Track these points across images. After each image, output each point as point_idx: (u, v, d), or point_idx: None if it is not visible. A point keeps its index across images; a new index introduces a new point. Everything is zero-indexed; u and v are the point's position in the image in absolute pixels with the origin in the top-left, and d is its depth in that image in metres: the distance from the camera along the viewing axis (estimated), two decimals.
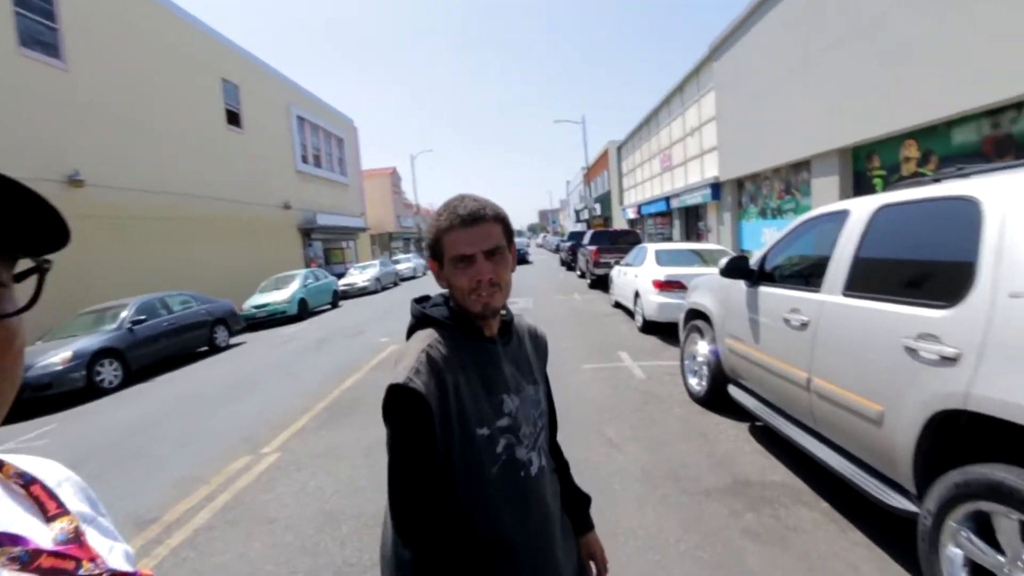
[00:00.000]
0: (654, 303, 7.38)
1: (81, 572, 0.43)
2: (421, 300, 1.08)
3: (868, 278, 2.57)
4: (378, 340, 9.29)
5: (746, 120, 13.32)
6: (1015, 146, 6.49)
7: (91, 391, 7.31)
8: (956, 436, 2.02)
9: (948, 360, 1.93)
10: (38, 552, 0.42)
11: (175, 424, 5.46)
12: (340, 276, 20.49)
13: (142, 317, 8.58)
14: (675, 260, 8.00)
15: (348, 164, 28.33)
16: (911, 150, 8.26)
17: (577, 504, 1.22)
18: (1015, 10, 5.87)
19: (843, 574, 2.29)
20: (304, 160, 22.95)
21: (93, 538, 0.52)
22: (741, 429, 3.99)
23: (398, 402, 0.88)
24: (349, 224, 26.45)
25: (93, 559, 0.45)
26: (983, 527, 1.83)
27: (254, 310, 13.41)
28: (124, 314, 8.42)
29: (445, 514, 0.90)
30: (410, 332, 1.04)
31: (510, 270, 0.99)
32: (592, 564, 1.22)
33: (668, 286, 7.27)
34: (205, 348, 10.23)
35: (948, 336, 1.95)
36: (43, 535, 0.45)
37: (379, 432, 4.25)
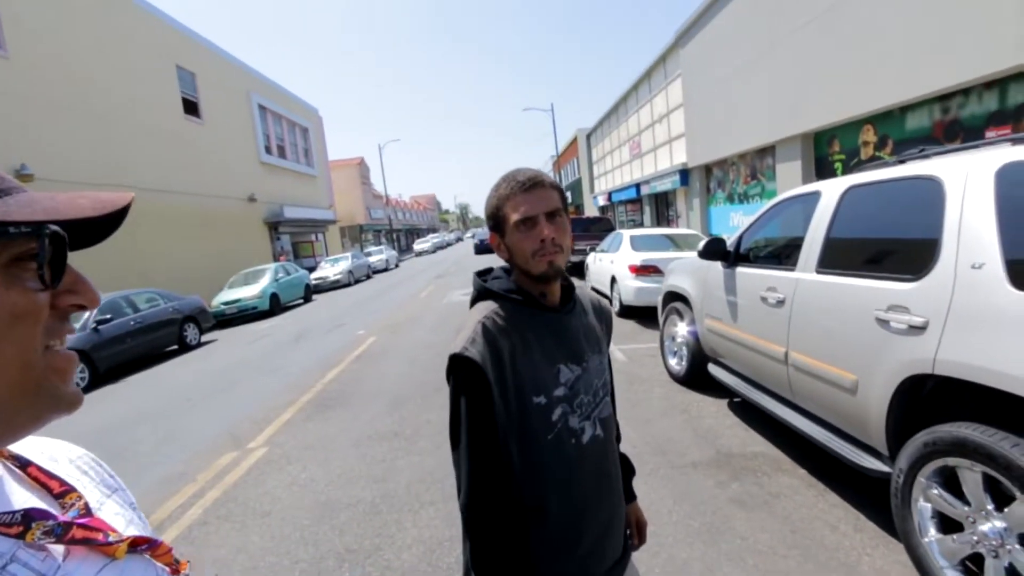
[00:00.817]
0: (631, 288, 7.54)
1: (111, 539, 0.45)
2: (483, 273, 1.11)
3: (840, 255, 2.72)
4: (356, 333, 9.20)
5: (712, 106, 13.60)
6: (963, 130, 6.87)
7: None
8: (923, 400, 2.18)
9: (916, 329, 2.08)
10: (69, 524, 0.43)
11: (153, 424, 5.32)
12: (311, 270, 20.09)
13: (107, 316, 8.26)
14: (650, 245, 8.18)
15: (314, 155, 27.61)
16: (869, 134, 8.63)
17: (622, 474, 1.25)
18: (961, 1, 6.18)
19: (824, 534, 2.46)
20: (268, 151, 22.25)
21: (110, 512, 0.53)
22: (721, 405, 4.17)
23: (457, 369, 0.94)
24: (318, 216, 25.86)
25: (113, 531, 0.47)
26: (950, 481, 2.00)
27: (223, 307, 13.05)
28: (87, 314, 8.08)
29: (499, 474, 0.94)
30: (472, 304, 1.08)
31: (569, 237, 1.02)
32: (634, 532, 1.26)
33: (644, 271, 7.43)
34: (175, 347, 9.93)
35: (916, 306, 2.10)
36: (59, 512, 0.46)
37: (368, 423, 4.28)
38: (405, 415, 4.61)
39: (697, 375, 4.47)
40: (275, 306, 13.94)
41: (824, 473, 2.96)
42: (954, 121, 7.01)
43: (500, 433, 0.94)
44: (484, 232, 35.22)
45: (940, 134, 7.24)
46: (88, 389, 7.45)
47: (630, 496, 1.26)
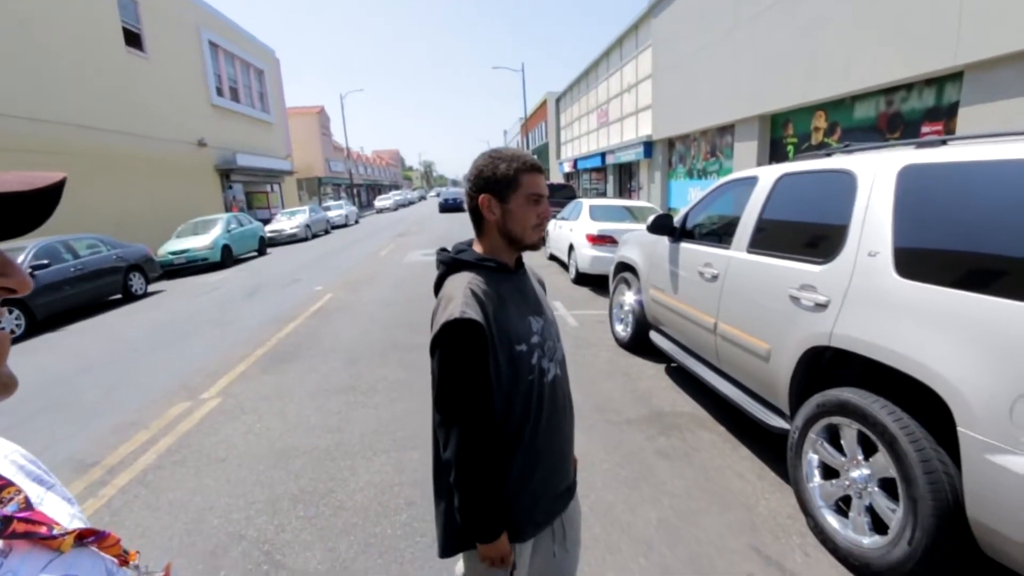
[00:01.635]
0: (587, 256, 7.79)
1: (55, 533, 0.44)
2: (443, 251, 1.25)
3: (768, 237, 2.99)
4: (314, 288, 9.13)
5: (679, 80, 13.75)
6: (903, 122, 7.33)
7: None
8: (822, 368, 2.50)
9: (820, 306, 2.37)
10: (9, 519, 0.42)
11: (100, 373, 5.23)
12: (265, 222, 19.42)
13: (44, 262, 7.85)
14: (608, 216, 8.41)
15: (270, 100, 26.12)
16: (820, 121, 9.04)
17: None
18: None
19: (732, 481, 2.81)
20: (219, 93, 20.91)
21: (51, 506, 0.52)
22: (659, 369, 4.51)
23: (458, 333, 1.05)
24: (273, 166, 24.74)
25: (57, 525, 0.45)
26: (833, 437, 2.34)
27: (171, 256, 12.54)
28: (20, 259, 7.65)
29: (488, 426, 1.10)
30: (440, 279, 1.20)
31: None
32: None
33: (600, 240, 7.68)
34: (119, 296, 9.56)
35: (822, 286, 2.39)
36: None
37: (324, 376, 4.39)
38: (362, 370, 4.74)
39: (640, 341, 4.78)
40: (227, 258, 13.51)
41: (741, 430, 3.33)
42: (896, 114, 7.46)
43: (492, 383, 1.10)
44: (450, 191, 34.97)
45: (884, 125, 7.69)
46: (25, 337, 7.16)
47: None
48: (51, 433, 3.81)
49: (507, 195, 1.15)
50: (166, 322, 7.47)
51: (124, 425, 3.89)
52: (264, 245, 16.32)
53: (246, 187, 23.39)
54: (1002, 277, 1.74)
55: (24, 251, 7.76)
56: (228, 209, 19.93)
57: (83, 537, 0.46)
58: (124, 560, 0.51)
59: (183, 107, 18.01)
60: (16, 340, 6.97)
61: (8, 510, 0.44)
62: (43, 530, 0.43)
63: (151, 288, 10.61)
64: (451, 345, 1.06)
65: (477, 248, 1.22)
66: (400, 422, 3.64)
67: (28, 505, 0.46)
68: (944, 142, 2.25)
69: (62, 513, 0.51)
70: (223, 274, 12.22)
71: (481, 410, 1.08)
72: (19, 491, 0.47)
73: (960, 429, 1.73)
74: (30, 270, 7.60)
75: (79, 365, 5.57)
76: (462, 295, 1.09)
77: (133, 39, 15.70)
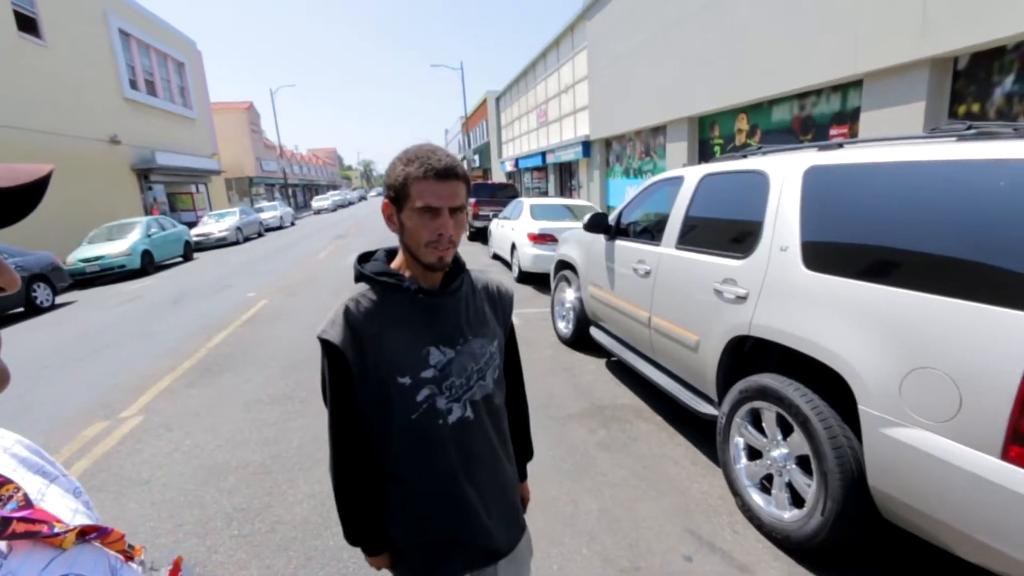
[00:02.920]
0: (529, 255, 7.90)
1: (56, 530, 0.43)
2: (365, 257, 1.12)
3: (695, 234, 3.16)
4: (246, 295, 8.67)
5: (613, 82, 14.17)
6: (814, 125, 7.93)
7: None
8: (744, 356, 2.68)
9: (741, 298, 2.53)
10: (7, 520, 0.41)
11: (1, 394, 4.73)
12: (191, 225, 18.24)
13: None
14: (548, 215, 8.56)
15: (192, 95, 24.51)
16: (743, 123, 9.61)
17: (517, 456, 1.32)
18: (821, 8, 7.03)
19: (668, 467, 2.95)
20: (134, 86, 19.40)
21: (53, 501, 0.50)
22: (599, 364, 4.65)
23: (323, 350, 1.02)
24: (198, 165, 23.26)
25: (58, 522, 0.44)
26: (756, 420, 2.51)
27: (82, 264, 11.50)
28: None
29: (356, 442, 1.05)
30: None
31: (464, 230, 1.04)
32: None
33: (541, 239, 7.80)
34: (21, 309, 8.67)
35: (742, 280, 2.55)
36: None
37: (259, 387, 4.18)
38: (300, 379, 4.57)
39: (581, 337, 4.91)
40: (148, 265, 12.57)
41: (676, 419, 3.50)
42: (808, 117, 8.06)
43: (360, 408, 1.02)
44: None
45: (797, 127, 8.29)
46: None
47: (521, 476, 1.34)
48: None
49: (402, 204, 0.99)
50: (79, 335, 6.85)
51: None
52: (190, 250, 15.32)
53: (168, 188, 21.87)
54: (893, 268, 1.94)
55: None
56: (148, 212, 18.59)
57: (85, 533, 0.46)
58: (129, 556, 0.50)
59: (91, 100, 16.57)
60: None
61: (7, 510, 0.43)
62: (44, 528, 0.42)
63: (59, 299, 9.71)
64: (322, 359, 1.03)
65: (397, 259, 1.09)
66: None
67: (28, 503, 0.45)
68: (840, 145, 2.47)
69: (64, 508, 0.50)
70: (144, 282, 11.36)
71: (343, 428, 1.04)
72: (18, 488, 0.46)
73: (860, 406, 1.91)
74: None
75: None
76: (335, 311, 1.02)
77: (27, 24, 14.26)
